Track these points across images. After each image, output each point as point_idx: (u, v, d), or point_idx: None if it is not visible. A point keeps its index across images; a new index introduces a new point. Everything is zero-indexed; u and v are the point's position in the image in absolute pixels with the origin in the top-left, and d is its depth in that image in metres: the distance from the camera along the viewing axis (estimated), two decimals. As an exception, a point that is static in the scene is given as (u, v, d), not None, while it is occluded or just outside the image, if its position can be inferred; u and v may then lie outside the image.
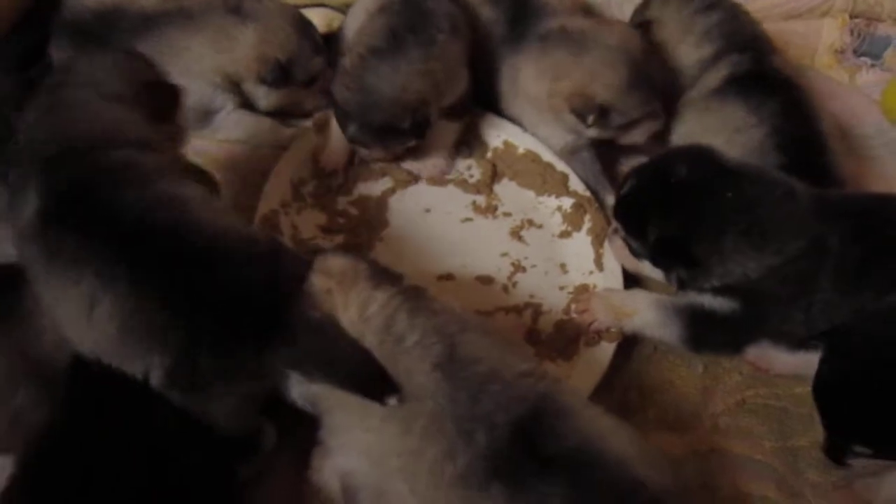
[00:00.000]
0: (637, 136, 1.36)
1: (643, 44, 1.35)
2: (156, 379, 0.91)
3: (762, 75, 1.37)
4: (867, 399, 1.00)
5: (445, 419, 0.84)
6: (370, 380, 0.87)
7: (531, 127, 1.43)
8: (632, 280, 1.30)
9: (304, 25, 1.44)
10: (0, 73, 1.43)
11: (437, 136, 1.39)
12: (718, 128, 1.31)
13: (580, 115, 1.31)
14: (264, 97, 1.43)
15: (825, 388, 1.04)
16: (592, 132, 1.35)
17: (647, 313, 1.18)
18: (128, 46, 1.37)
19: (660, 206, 1.14)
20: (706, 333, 1.17)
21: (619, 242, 1.24)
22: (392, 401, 0.85)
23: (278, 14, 1.41)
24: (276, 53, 1.38)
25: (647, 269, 1.22)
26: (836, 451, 1.04)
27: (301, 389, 0.95)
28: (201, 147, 1.42)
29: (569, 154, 1.42)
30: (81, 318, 0.90)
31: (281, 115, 1.48)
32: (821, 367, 1.04)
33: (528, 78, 1.38)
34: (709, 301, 1.15)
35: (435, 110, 1.34)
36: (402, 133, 1.31)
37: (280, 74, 1.38)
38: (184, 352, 0.89)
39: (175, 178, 1.00)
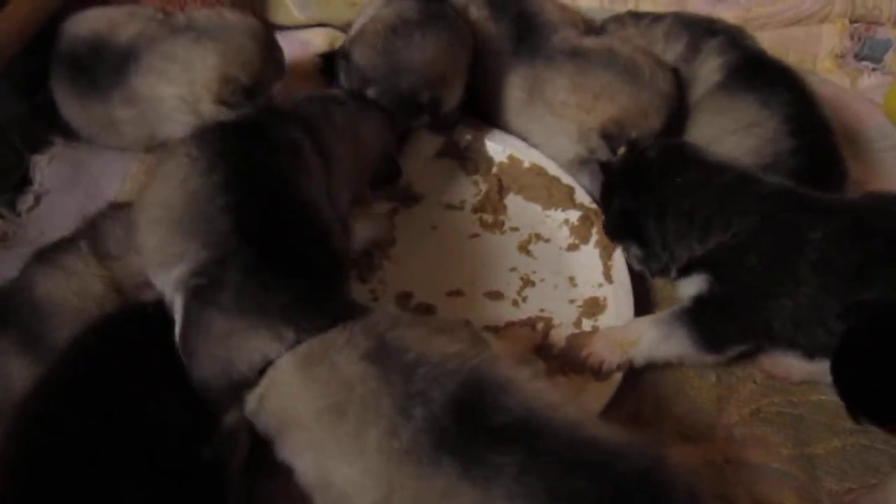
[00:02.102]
0: None
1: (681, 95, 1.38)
2: (177, 272, 0.98)
3: (760, 65, 1.42)
4: (870, 377, 1.03)
5: (381, 398, 0.86)
6: None
7: (542, 137, 1.44)
8: (641, 292, 1.30)
9: (269, 42, 1.42)
10: (8, 97, 1.46)
11: (419, 144, 1.41)
12: (734, 127, 1.35)
13: (610, 142, 1.32)
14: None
15: (836, 362, 1.07)
16: (605, 156, 1.35)
17: (648, 334, 1.19)
18: (109, 87, 1.39)
19: (624, 180, 1.25)
20: (707, 323, 1.17)
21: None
22: None
23: (240, 31, 1.38)
24: (239, 74, 1.35)
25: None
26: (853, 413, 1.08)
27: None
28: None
29: (576, 166, 1.43)
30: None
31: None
32: (840, 340, 1.07)
33: (557, 88, 1.38)
34: (686, 288, 1.19)
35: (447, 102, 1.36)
36: (417, 107, 1.32)
37: (241, 97, 1.35)
38: (220, 259, 0.96)
39: None
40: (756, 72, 1.40)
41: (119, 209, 1.18)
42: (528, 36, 1.43)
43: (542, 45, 1.42)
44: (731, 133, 1.34)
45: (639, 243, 1.23)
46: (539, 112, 1.42)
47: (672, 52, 1.48)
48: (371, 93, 1.33)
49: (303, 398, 0.91)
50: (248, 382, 0.96)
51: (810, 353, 1.15)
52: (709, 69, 1.42)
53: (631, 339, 1.19)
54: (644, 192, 1.22)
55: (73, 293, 1.08)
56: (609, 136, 1.33)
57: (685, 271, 1.20)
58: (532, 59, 1.41)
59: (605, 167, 1.30)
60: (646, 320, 1.22)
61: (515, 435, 0.83)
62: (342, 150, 1.21)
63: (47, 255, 1.12)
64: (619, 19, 1.57)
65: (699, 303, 1.18)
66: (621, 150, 1.31)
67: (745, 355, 1.22)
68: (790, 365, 1.19)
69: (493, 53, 1.47)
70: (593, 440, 0.83)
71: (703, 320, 1.17)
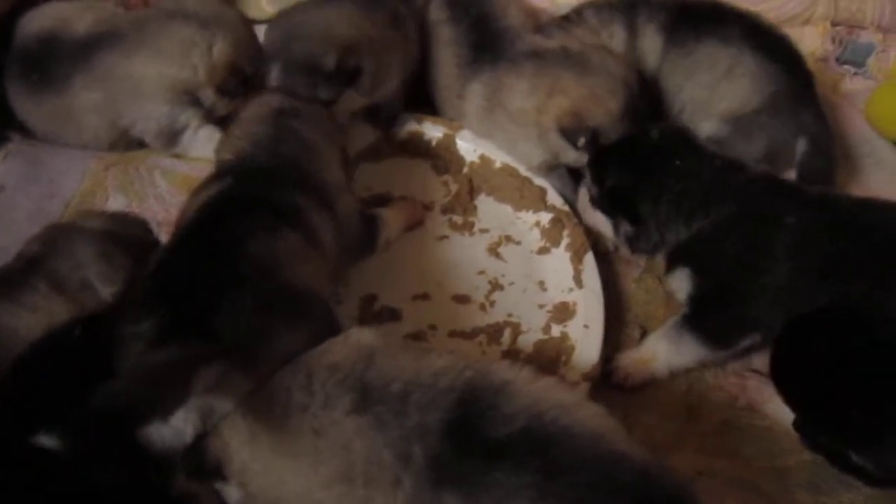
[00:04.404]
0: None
1: (638, 77, 1.35)
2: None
3: (692, 12, 1.44)
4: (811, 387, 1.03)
5: (380, 450, 0.80)
6: None
7: (506, 144, 1.41)
8: (612, 297, 1.27)
9: (254, 35, 1.41)
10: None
11: (351, 137, 1.36)
12: (714, 78, 1.39)
13: (569, 136, 1.29)
14: (223, 107, 1.38)
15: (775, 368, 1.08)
16: (573, 156, 1.32)
17: (660, 347, 1.20)
18: (67, 77, 1.35)
19: (622, 159, 1.24)
20: (707, 323, 1.18)
21: (584, 191, 1.29)
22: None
23: (242, 21, 1.39)
24: (244, 64, 1.34)
25: (601, 222, 1.28)
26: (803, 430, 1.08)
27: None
28: (171, 166, 1.40)
29: (545, 171, 1.40)
30: None
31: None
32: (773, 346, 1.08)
33: (515, 93, 1.36)
34: (674, 285, 1.21)
35: (367, 76, 1.31)
36: (327, 76, 1.27)
37: (244, 83, 1.34)
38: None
39: None
40: (695, 19, 1.43)
41: (65, 233, 1.12)
42: (489, 42, 1.40)
43: (505, 50, 1.39)
44: (716, 84, 1.37)
45: (631, 221, 1.22)
46: (500, 120, 1.39)
47: (617, 38, 1.46)
48: (274, 74, 1.27)
49: (297, 474, 0.83)
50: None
51: None
52: (649, 38, 1.42)
53: (648, 356, 1.20)
54: (642, 172, 1.21)
55: (41, 326, 1.01)
56: (567, 131, 1.30)
57: (670, 262, 1.21)
58: (494, 66, 1.38)
59: (595, 143, 1.27)
60: (655, 336, 1.23)
61: (524, 448, 0.76)
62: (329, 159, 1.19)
63: (5, 289, 1.05)
64: (577, 14, 1.53)
65: (693, 303, 1.19)
66: (581, 142, 1.28)
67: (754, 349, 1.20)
68: (760, 388, 1.19)
69: (450, 60, 1.43)
70: (619, 457, 0.77)
71: (702, 321, 1.18)
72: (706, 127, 1.40)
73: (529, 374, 0.84)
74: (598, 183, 1.27)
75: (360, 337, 0.89)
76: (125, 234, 1.13)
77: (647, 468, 0.77)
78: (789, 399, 1.06)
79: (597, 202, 1.28)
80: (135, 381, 0.80)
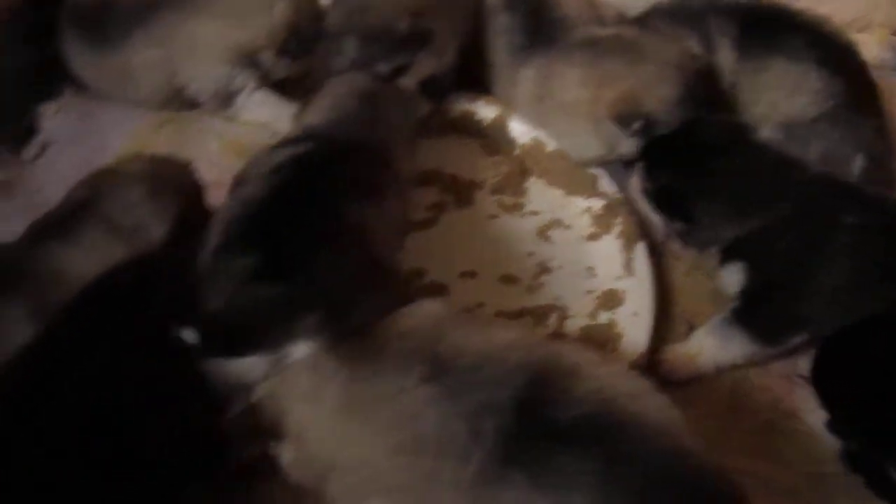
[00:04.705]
0: None
1: (697, 65, 1.32)
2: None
3: (763, 24, 1.40)
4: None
5: (452, 423, 0.78)
6: None
7: (557, 135, 1.39)
8: (660, 287, 1.25)
9: None
10: (17, 45, 1.42)
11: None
12: (782, 94, 1.35)
13: (624, 122, 1.27)
14: (282, 69, 1.37)
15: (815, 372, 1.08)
16: (628, 146, 1.30)
17: (707, 342, 1.17)
18: (126, 33, 1.35)
19: (675, 155, 1.22)
20: (758, 318, 1.15)
21: (635, 180, 1.27)
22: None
23: None
24: (305, 24, 1.32)
25: (652, 214, 1.25)
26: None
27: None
28: (223, 130, 1.39)
29: (596, 165, 1.37)
30: None
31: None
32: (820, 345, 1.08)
33: (567, 83, 1.33)
34: (726, 280, 1.18)
35: (438, 38, 1.30)
36: (401, 42, 1.26)
37: (304, 45, 1.32)
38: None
39: None
40: (763, 32, 1.39)
41: (112, 177, 1.12)
42: (544, 30, 1.38)
43: (559, 38, 1.37)
44: (781, 102, 1.33)
45: (683, 219, 1.20)
46: (551, 110, 1.37)
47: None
48: (350, 46, 1.26)
49: (362, 440, 0.81)
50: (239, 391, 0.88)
51: None
52: (725, 52, 1.38)
53: (694, 352, 1.18)
54: (696, 170, 1.20)
55: (96, 268, 1.00)
56: (622, 118, 1.28)
57: (724, 257, 1.19)
58: (547, 53, 1.36)
59: (650, 130, 1.25)
60: (702, 331, 1.20)
61: (590, 434, 0.74)
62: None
63: (56, 230, 1.05)
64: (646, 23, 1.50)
65: (744, 298, 1.16)
66: (635, 128, 1.26)
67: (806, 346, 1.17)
68: (807, 399, 1.14)
69: (505, 48, 1.41)
70: (683, 453, 0.75)
71: (752, 317, 1.16)
72: (761, 132, 1.37)
73: (597, 358, 0.83)
74: (650, 178, 1.25)
75: (431, 309, 0.88)
76: (171, 175, 1.13)
77: (708, 468, 0.76)
78: (826, 400, 1.05)
79: (649, 196, 1.26)
80: (244, 311, 0.79)
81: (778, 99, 1.36)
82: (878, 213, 1.14)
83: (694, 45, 1.38)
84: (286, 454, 0.86)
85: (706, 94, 1.30)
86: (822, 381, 1.07)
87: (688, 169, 1.21)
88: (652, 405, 0.79)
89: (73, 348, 0.88)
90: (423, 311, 0.88)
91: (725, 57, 1.39)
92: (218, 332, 0.81)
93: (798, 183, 1.17)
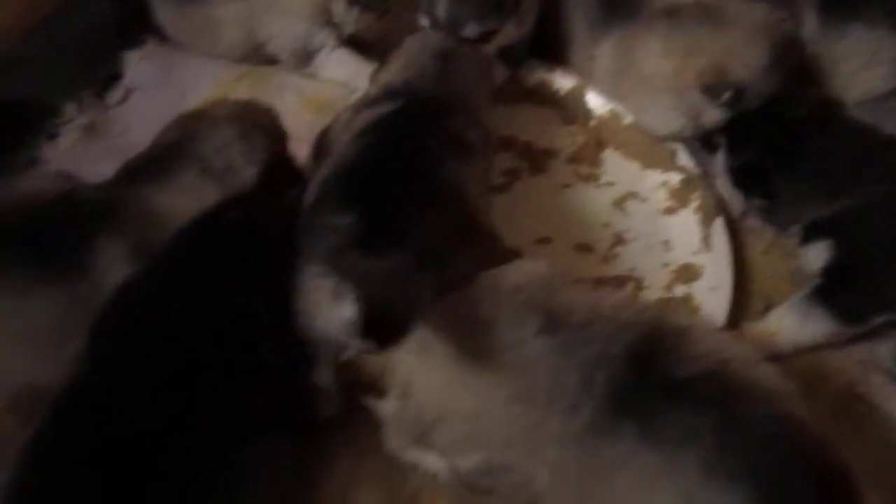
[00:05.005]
0: None
1: (784, 30, 1.28)
2: None
3: None
4: None
5: (564, 374, 0.78)
6: None
7: (635, 110, 1.36)
8: (737, 266, 1.21)
9: None
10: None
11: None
12: (861, 63, 1.30)
13: (713, 92, 1.23)
14: (352, 20, 1.36)
15: None
16: (713, 117, 1.26)
17: (787, 320, 1.15)
18: None
19: (760, 132, 1.20)
20: (841, 296, 1.12)
21: (719, 157, 1.25)
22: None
23: None
24: None
25: (733, 191, 1.24)
26: None
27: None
28: (301, 85, 1.40)
29: (674, 140, 1.34)
30: None
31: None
32: None
33: (648, 54, 1.30)
34: (810, 257, 1.16)
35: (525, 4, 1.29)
36: (494, 5, 1.25)
37: None
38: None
39: None
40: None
41: (202, 119, 1.12)
42: (622, 2, 1.35)
43: (639, 9, 1.34)
44: (857, 72, 1.29)
45: (765, 196, 1.19)
46: (631, 83, 1.34)
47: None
48: (441, 4, 1.24)
49: (474, 390, 0.81)
50: (335, 344, 0.88)
51: None
52: (808, 19, 1.34)
53: (771, 330, 1.15)
54: (780, 148, 1.17)
55: (194, 208, 1.00)
56: (710, 88, 1.24)
57: (809, 234, 1.17)
58: (626, 25, 1.33)
59: (740, 99, 1.21)
60: (781, 308, 1.17)
61: (706, 393, 0.73)
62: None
63: (151, 172, 1.05)
64: None
65: (828, 276, 1.14)
66: (724, 98, 1.22)
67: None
68: (884, 386, 1.13)
69: (582, 21, 1.39)
70: (799, 422, 0.75)
71: (835, 294, 1.13)
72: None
73: (707, 323, 0.82)
74: (733, 154, 1.23)
75: (535, 267, 0.88)
76: (258, 118, 1.14)
77: (823, 441, 0.76)
78: None
79: (730, 173, 1.24)
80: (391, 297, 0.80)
81: (855, 69, 1.32)
82: None
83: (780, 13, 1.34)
84: (387, 408, 0.86)
85: (794, 58, 1.26)
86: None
87: (774, 146, 1.19)
88: (767, 372, 0.78)
89: (173, 288, 0.89)
90: (528, 269, 0.88)
91: (809, 25, 1.35)
92: (378, 324, 0.80)
93: (892, 163, 1.14)
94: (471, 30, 1.26)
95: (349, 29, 1.39)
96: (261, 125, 1.13)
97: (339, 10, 1.36)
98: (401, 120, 1.05)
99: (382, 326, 0.80)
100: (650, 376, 0.76)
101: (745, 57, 1.24)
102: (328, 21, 1.37)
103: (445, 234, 0.92)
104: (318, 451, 1.00)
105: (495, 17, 1.27)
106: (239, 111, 1.14)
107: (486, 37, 1.28)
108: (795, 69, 1.26)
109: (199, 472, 0.80)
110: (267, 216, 0.97)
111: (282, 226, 0.93)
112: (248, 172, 1.07)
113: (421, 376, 0.83)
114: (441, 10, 1.26)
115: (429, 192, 0.96)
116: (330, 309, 0.87)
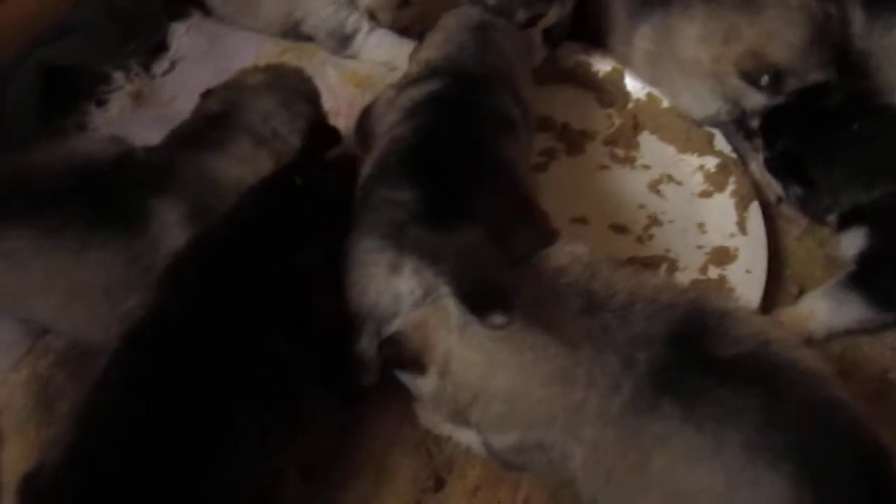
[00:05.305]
0: None
1: (822, 9, 1.26)
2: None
3: None
4: None
5: (606, 354, 0.79)
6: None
7: (673, 94, 1.37)
8: (771, 251, 1.22)
9: None
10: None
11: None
12: None
13: (752, 77, 1.23)
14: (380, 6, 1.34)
15: None
16: (757, 100, 1.25)
17: (821, 305, 1.16)
18: None
19: (795, 120, 1.21)
20: (877, 282, 1.13)
21: (755, 142, 1.26)
22: (497, 319, 0.78)
23: None
24: None
25: (770, 180, 1.25)
26: None
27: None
28: (342, 61, 1.42)
29: (712, 124, 1.35)
30: None
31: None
32: None
33: (687, 40, 1.30)
34: (846, 243, 1.17)
35: None
36: None
37: None
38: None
39: None
40: None
41: (241, 90, 1.14)
42: None
43: None
44: None
45: (801, 184, 1.20)
46: (669, 68, 1.34)
47: None
48: None
49: (515, 368, 0.82)
50: (382, 317, 0.90)
51: None
52: (854, 14, 1.32)
53: (804, 315, 1.16)
54: (816, 136, 1.18)
55: (251, 177, 1.04)
56: (748, 73, 1.23)
57: (845, 221, 1.17)
58: (665, 9, 1.33)
59: (781, 81, 1.20)
60: (816, 293, 1.19)
61: (750, 372, 0.74)
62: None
63: (205, 140, 1.07)
64: None
65: (864, 262, 1.15)
66: (765, 81, 1.22)
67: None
68: None
69: (620, 6, 1.39)
70: (841, 403, 0.75)
71: (872, 280, 1.14)
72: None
73: (748, 307, 0.84)
74: (770, 144, 1.24)
75: (577, 249, 0.89)
76: (294, 83, 1.16)
77: (863, 422, 0.76)
78: None
79: (767, 162, 1.25)
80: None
81: None
82: None
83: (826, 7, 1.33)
84: (427, 385, 0.87)
85: (834, 37, 1.25)
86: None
87: (806, 134, 1.20)
88: (808, 355, 0.79)
89: (241, 246, 0.93)
90: (569, 251, 0.89)
91: (855, 20, 1.34)
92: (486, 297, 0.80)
93: None
94: (520, 15, 1.27)
95: (382, 16, 1.38)
96: (297, 90, 1.15)
97: None
98: (448, 99, 1.07)
99: (486, 299, 0.79)
100: (692, 356, 0.77)
101: (783, 38, 1.23)
102: (354, 3, 1.37)
103: (504, 210, 0.94)
104: (358, 416, 1.04)
105: (543, 1, 1.29)
106: (274, 78, 1.16)
107: (532, 20, 1.29)
108: (836, 48, 1.25)
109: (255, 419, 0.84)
110: (326, 184, 1.00)
111: (337, 195, 0.95)
112: (293, 138, 1.10)
113: (460, 355, 0.84)
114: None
115: (485, 170, 0.98)
116: (386, 281, 0.90)
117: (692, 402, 0.74)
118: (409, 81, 1.14)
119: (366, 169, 1.01)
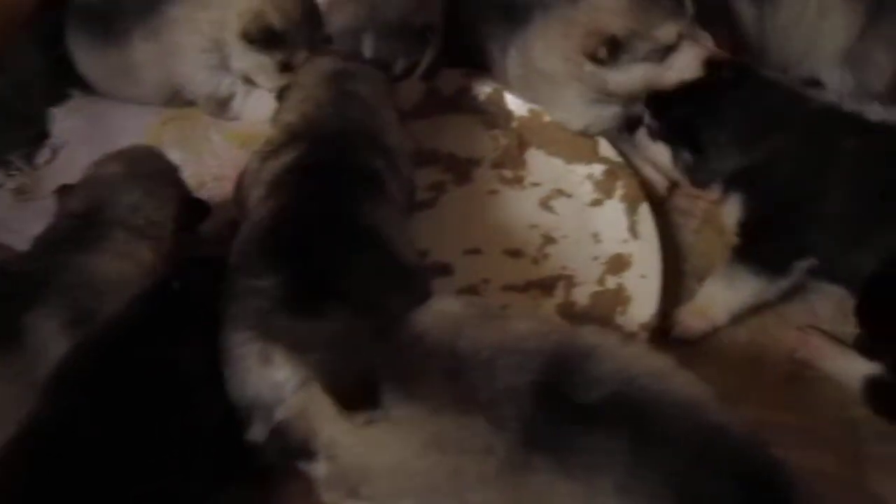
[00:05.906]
0: (684, 68, 1.21)
1: None
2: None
3: None
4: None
5: (474, 416, 0.77)
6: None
7: (549, 108, 1.37)
8: (669, 248, 1.24)
9: (312, 4, 1.35)
10: (29, 51, 1.46)
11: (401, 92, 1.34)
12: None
13: (595, 54, 1.21)
14: (251, 62, 1.32)
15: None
16: (613, 78, 1.23)
17: (715, 289, 1.17)
18: (128, 30, 1.37)
19: (688, 91, 1.24)
20: (758, 248, 1.16)
21: (642, 130, 1.30)
22: (363, 418, 0.79)
23: None
24: (272, 16, 1.28)
25: (660, 155, 1.28)
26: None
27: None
28: (225, 123, 1.42)
29: (597, 128, 1.35)
30: None
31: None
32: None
33: (539, 53, 1.32)
34: (728, 215, 1.20)
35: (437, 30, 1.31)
36: (416, 35, 1.27)
37: (268, 40, 1.28)
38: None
39: None
40: None
41: (103, 185, 1.13)
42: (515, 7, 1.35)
43: (530, 12, 1.32)
44: (814, 28, 1.33)
45: (691, 150, 1.23)
46: (539, 87, 1.34)
47: None
48: (367, 45, 1.26)
49: (390, 443, 0.81)
50: (267, 405, 0.89)
51: (853, 288, 1.11)
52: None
53: (704, 306, 1.17)
54: (702, 102, 1.22)
55: (134, 272, 1.04)
56: (591, 51, 1.21)
57: (724, 189, 1.21)
58: (524, 28, 1.33)
59: (618, 47, 1.20)
60: (709, 280, 1.20)
61: (615, 414, 0.73)
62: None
63: (78, 242, 1.06)
64: None
65: (743, 230, 1.17)
66: (603, 53, 1.19)
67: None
68: (821, 346, 1.15)
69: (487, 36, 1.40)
70: (717, 428, 0.74)
71: (753, 248, 1.16)
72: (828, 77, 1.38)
73: (618, 339, 0.82)
74: (659, 115, 1.27)
75: (445, 306, 0.88)
76: (148, 166, 1.15)
77: (745, 442, 0.75)
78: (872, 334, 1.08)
79: (656, 134, 1.27)
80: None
81: (804, 31, 1.34)
82: (881, 136, 1.15)
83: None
84: (318, 468, 0.86)
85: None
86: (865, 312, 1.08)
87: (693, 100, 1.23)
88: (677, 382, 0.78)
89: (122, 356, 0.91)
90: (438, 310, 0.87)
91: (743, 10, 1.36)
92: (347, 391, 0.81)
93: (801, 113, 1.18)
94: (399, 65, 1.28)
95: (238, 66, 1.35)
96: (156, 173, 1.15)
97: (230, 37, 1.32)
98: (307, 170, 1.06)
99: (353, 398, 0.80)
100: (556, 406, 0.75)
101: (611, 5, 1.20)
102: (222, 58, 1.35)
103: (372, 281, 0.93)
104: (266, 494, 1.01)
105: (419, 49, 1.29)
106: (130, 166, 1.14)
107: (411, 69, 1.30)
108: None
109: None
110: (203, 284, 0.98)
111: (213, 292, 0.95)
112: (168, 222, 1.10)
113: (341, 439, 0.83)
114: (368, 51, 1.27)
115: (349, 242, 0.97)
116: (260, 372, 0.89)
117: (562, 454, 0.73)
118: (271, 150, 1.13)
119: (231, 257, 1.00)
